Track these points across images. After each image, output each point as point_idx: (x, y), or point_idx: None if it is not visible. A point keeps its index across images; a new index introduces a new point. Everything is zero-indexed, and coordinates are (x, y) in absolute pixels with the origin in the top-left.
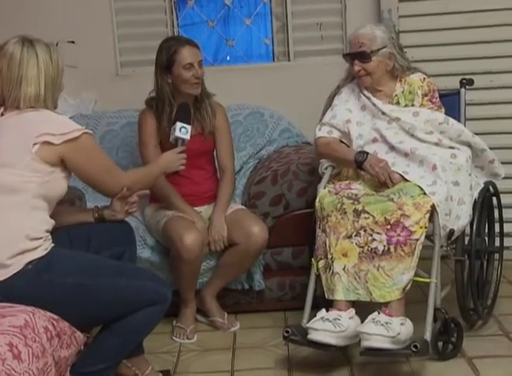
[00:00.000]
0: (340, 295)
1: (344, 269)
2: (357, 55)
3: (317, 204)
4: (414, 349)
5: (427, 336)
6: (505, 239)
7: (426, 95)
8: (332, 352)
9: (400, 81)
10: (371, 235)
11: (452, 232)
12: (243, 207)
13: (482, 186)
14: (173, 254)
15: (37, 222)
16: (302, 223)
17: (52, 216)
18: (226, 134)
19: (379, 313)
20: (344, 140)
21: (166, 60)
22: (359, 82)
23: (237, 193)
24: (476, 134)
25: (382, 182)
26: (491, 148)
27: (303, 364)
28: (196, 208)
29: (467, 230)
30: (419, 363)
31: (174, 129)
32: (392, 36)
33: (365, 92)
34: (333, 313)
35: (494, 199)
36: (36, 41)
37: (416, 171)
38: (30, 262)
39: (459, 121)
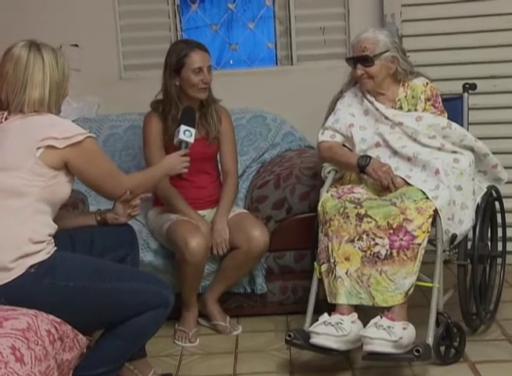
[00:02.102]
0: (342, 299)
1: (346, 273)
2: (360, 59)
3: (319, 208)
4: (416, 354)
5: (430, 340)
6: (507, 243)
7: (429, 99)
8: (334, 357)
9: (403, 85)
10: (374, 239)
11: (454, 236)
12: (245, 210)
13: (485, 190)
14: (178, 257)
15: (41, 226)
16: (305, 227)
17: (54, 220)
18: (231, 138)
19: (381, 318)
20: (346, 144)
21: (175, 63)
22: (361, 85)
23: (240, 197)
24: (479, 138)
25: (385, 187)
26: (494, 153)
27: (305, 368)
28: (199, 212)
29: (470, 235)
30: (421, 368)
31: (178, 132)
32: (395, 40)
33: (368, 97)
34: (335, 317)
35: (497, 203)
36: (43, 45)
37: (419, 175)
38: (32, 266)
39: (462, 125)
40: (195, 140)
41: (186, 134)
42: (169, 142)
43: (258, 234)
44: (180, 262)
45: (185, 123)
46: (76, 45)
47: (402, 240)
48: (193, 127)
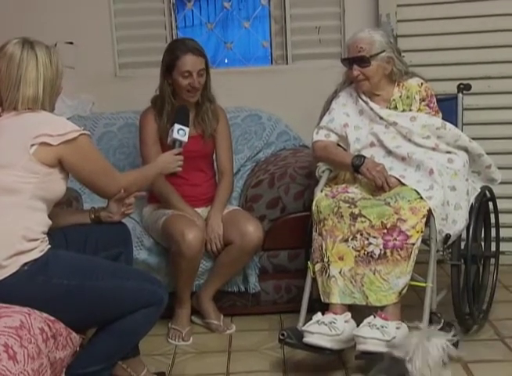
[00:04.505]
0: (335, 299)
1: (340, 273)
2: (356, 59)
3: (314, 207)
4: None
5: None
6: (501, 244)
7: (423, 100)
8: (327, 356)
9: (398, 85)
10: (367, 239)
11: (448, 236)
12: (239, 207)
13: (479, 191)
14: (174, 250)
15: (35, 223)
16: (299, 226)
17: (48, 217)
18: (226, 138)
19: (375, 317)
20: (341, 144)
21: (167, 63)
22: (357, 87)
23: (234, 196)
24: (473, 139)
25: (379, 186)
26: (488, 153)
27: (298, 367)
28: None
29: (463, 235)
30: None
31: (172, 131)
32: (390, 40)
33: (363, 97)
34: (328, 317)
35: (490, 204)
36: (36, 43)
37: (413, 175)
38: (26, 264)
39: (456, 125)
40: (191, 138)
41: (180, 133)
42: (165, 138)
43: (252, 229)
44: (175, 256)
45: (178, 122)
46: (71, 43)
47: (395, 239)
48: (187, 126)
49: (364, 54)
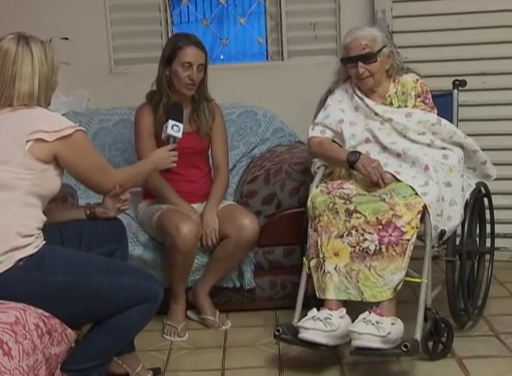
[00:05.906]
0: (331, 295)
1: (335, 269)
2: (361, 57)
3: (309, 203)
4: (404, 349)
5: (418, 336)
6: (496, 240)
7: (419, 96)
8: (322, 352)
9: (393, 81)
10: (363, 235)
11: (443, 232)
12: (234, 202)
13: (474, 187)
14: (168, 244)
15: (30, 219)
16: (294, 222)
17: (43, 213)
18: (222, 134)
19: (370, 313)
20: (336, 140)
21: (169, 53)
22: (361, 84)
23: (230, 192)
24: (468, 135)
25: (374, 182)
26: (483, 149)
27: (293, 363)
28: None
29: (459, 231)
30: (409, 363)
31: (166, 127)
32: (387, 35)
33: (358, 93)
34: (323, 312)
35: (485, 200)
36: (31, 38)
37: (408, 171)
38: (21, 259)
39: (451, 122)
40: (186, 134)
41: (174, 129)
42: (160, 133)
43: (248, 222)
44: (170, 250)
45: (173, 118)
46: (66, 39)
47: (390, 235)
48: (181, 122)
49: (370, 50)
